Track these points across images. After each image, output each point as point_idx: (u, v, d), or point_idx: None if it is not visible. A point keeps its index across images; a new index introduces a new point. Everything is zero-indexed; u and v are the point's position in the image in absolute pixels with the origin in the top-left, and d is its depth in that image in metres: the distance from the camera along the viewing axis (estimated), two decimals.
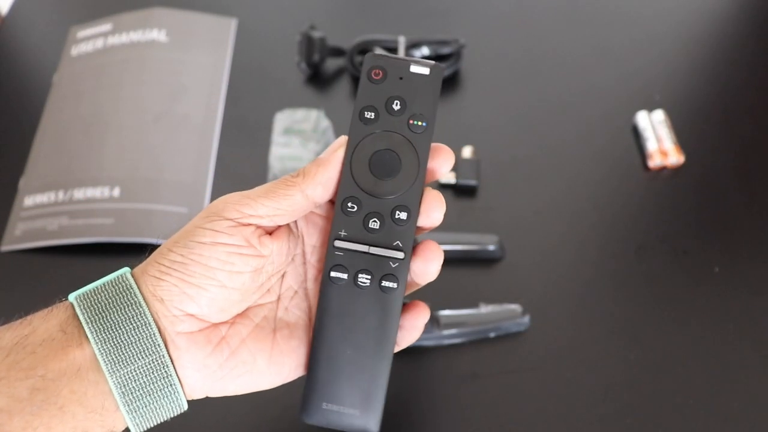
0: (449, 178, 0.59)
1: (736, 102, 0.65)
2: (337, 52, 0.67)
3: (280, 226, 0.33)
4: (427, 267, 0.32)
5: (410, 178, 0.32)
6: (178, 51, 0.68)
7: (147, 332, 0.29)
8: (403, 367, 0.47)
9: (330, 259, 0.32)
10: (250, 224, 0.31)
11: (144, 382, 0.29)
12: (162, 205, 0.59)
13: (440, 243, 0.33)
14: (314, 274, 0.34)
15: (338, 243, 0.32)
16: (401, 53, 0.64)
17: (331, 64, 0.68)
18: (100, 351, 0.28)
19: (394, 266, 0.32)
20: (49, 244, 0.57)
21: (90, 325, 0.29)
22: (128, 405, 0.29)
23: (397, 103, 0.32)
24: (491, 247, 0.55)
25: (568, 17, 0.71)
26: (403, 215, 0.32)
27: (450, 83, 0.66)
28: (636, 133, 0.62)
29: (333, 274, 0.32)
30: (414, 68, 0.32)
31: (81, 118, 0.64)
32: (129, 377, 0.29)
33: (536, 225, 0.58)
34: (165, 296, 0.29)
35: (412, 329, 0.33)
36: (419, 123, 0.32)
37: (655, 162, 0.60)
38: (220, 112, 0.65)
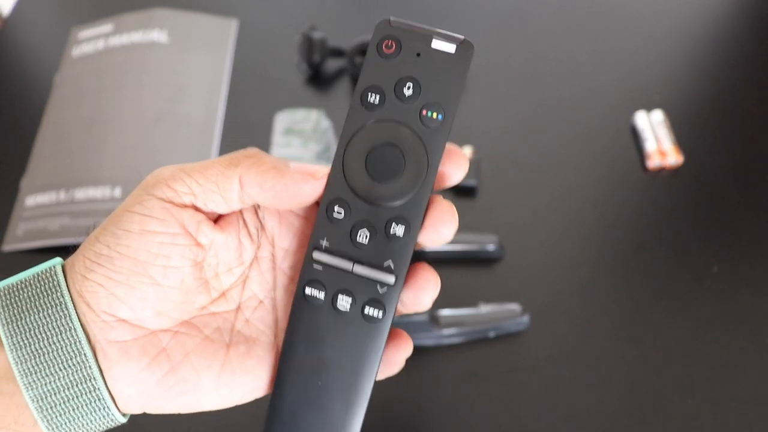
0: None
1: (735, 102, 0.65)
2: (338, 52, 0.67)
3: (222, 216, 0.27)
4: (418, 297, 0.27)
5: (414, 183, 0.26)
6: (179, 52, 0.68)
7: (72, 339, 0.24)
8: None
9: (306, 273, 0.27)
10: (186, 205, 0.25)
11: (67, 396, 0.24)
12: None
13: None
14: (285, 282, 0.28)
15: (317, 255, 0.26)
16: None
17: (332, 64, 0.68)
18: (15, 359, 0.24)
19: (381, 292, 0.26)
20: (50, 244, 0.57)
21: (6, 327, 0.24)
22: (48, 421, 0.25)
23: (409, 86, 0.26)
24: (491, 247, 0.55)
25: (567, 18, 0.71)
26: (400, 230, 0.26)
27: None
28: (635, 134, 0.62)
29: (308, 291, 0.26)
30: (437, 43, 0.25)
31: (82, 119, 0.65)
32: (49, 390, 0.24)
33: (536, 225, 0.58)
34: (91, 299, 0.25)
35: (391, 364, 0.28)
36: (434, 115, 0.26)
37: (653, 162, 0.60)
38: (221, 113, 0.66)
